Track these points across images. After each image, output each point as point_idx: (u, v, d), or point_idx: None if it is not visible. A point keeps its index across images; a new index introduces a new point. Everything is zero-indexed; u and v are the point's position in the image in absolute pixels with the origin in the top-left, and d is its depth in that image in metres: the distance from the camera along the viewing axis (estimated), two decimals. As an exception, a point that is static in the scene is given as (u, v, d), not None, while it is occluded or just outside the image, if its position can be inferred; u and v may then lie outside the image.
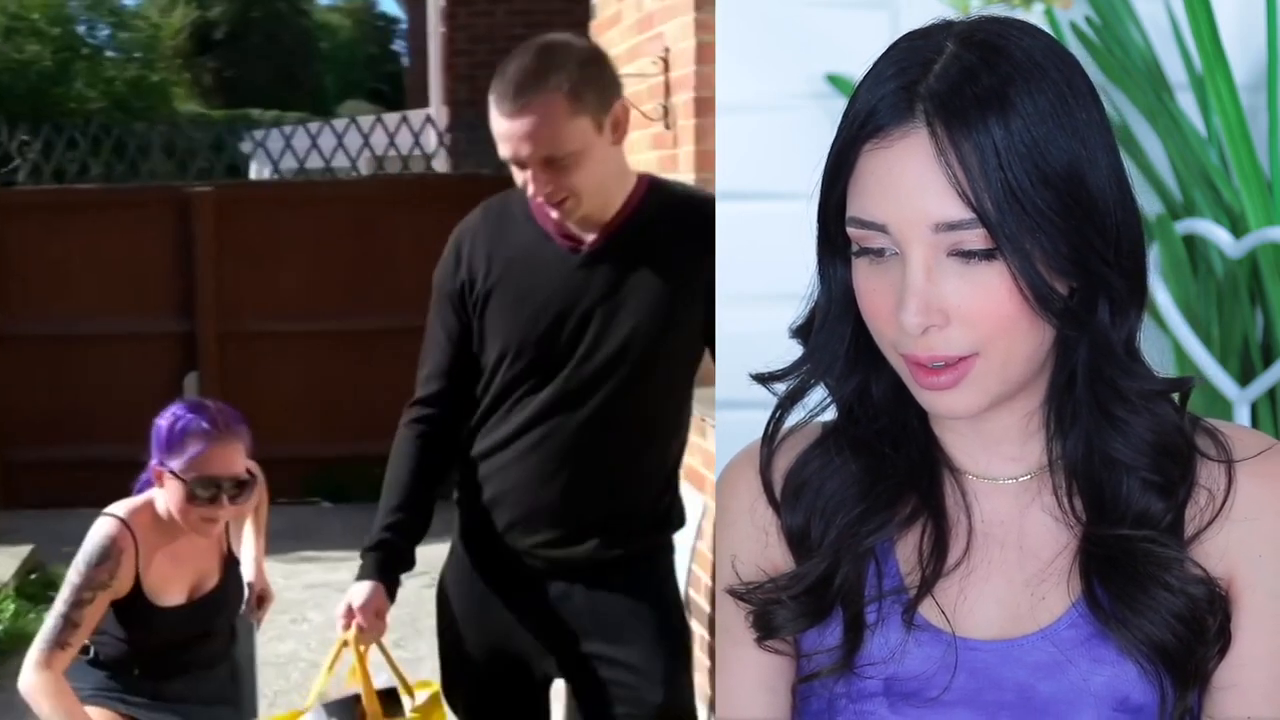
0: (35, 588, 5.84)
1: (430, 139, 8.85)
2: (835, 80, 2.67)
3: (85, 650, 3.02)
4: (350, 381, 7.73)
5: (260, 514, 3.49)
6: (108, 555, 2.92)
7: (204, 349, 7.90)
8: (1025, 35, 1.41)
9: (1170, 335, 2.59)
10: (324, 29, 38.18)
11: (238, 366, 7.77)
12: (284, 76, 32.65)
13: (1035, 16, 2.59)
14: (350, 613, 2.45)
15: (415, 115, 9.57)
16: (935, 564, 1.48)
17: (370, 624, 2.45)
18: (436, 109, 10.17)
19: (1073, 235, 1.36)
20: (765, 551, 1.57)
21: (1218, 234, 2.59)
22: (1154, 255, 2.60)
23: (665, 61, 4.06)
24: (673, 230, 2.46)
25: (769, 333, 1.59)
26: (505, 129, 2.33)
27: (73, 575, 2.91)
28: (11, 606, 5.61)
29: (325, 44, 37.65)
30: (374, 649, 2.52)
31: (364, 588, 2.48)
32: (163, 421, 2.96)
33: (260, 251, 7.96)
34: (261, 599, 3.47)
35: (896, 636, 1.48)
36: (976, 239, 1.34)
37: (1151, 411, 1.44)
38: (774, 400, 1.58)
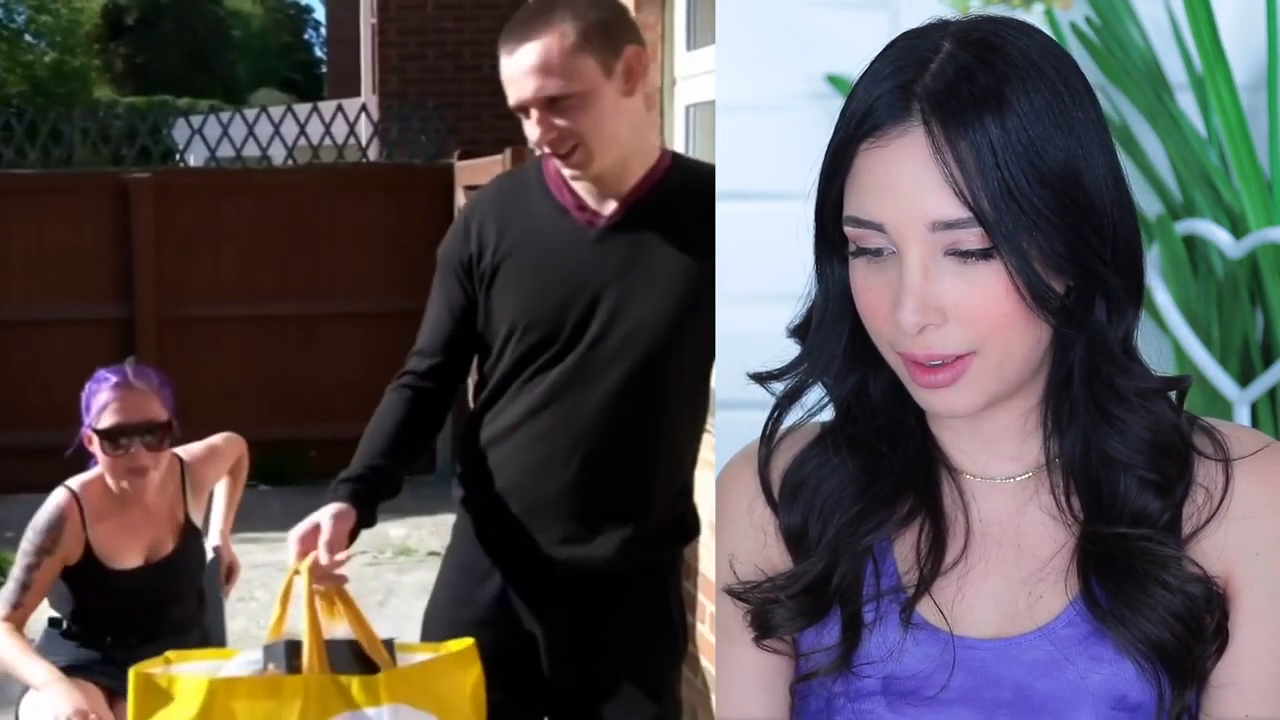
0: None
1: (362, 129, 9.08)
2: (835, 80, 2.67)
3: (57, 624, 3.25)
4: (288, 366, 7.86)
5: (236, 487, 3.61)
6: (53, 524, 3.13)
7: (143, 334, 7.95)
8: (1022, 34, 1.41)
9: (1170, 335, 2.58)
10: (236, 17, 38.25)
11: (176, 351, 7.76)
12: (196, 63, 32.70)
13: (1035, 17, 2.59)
14: (306, 539, 2.20)
15: (350, 104, 9.90)
16: (933, 563, 1.48)
17: (333, 545, 2.21)
18: (367, 98, 10.46)
19: (1069, 234, 1.36)
20: (763, 551, 1.57)
21: (1218, 234, 2.59)
22: (1154, 255, 2.59)
23: None
24: (696, 208, 2.39)
25: (768, 333, 1.59)
26: (508, 69, 2.29)
27: (24, 543, 3.14)
28: None
29: (238, 32, 37.77)
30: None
31: (331, 509, 2.26)
32: (83, 390, 3.20)
33: (198, 237, 8.10)
34: (230, 570, 3.55)
35: (894, 635, 1.48)
36: (973, 238, 1.35)
37: (1149, 410, 1.44)
38: (772, 400, 1.58)
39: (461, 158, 8.01)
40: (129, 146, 8.82)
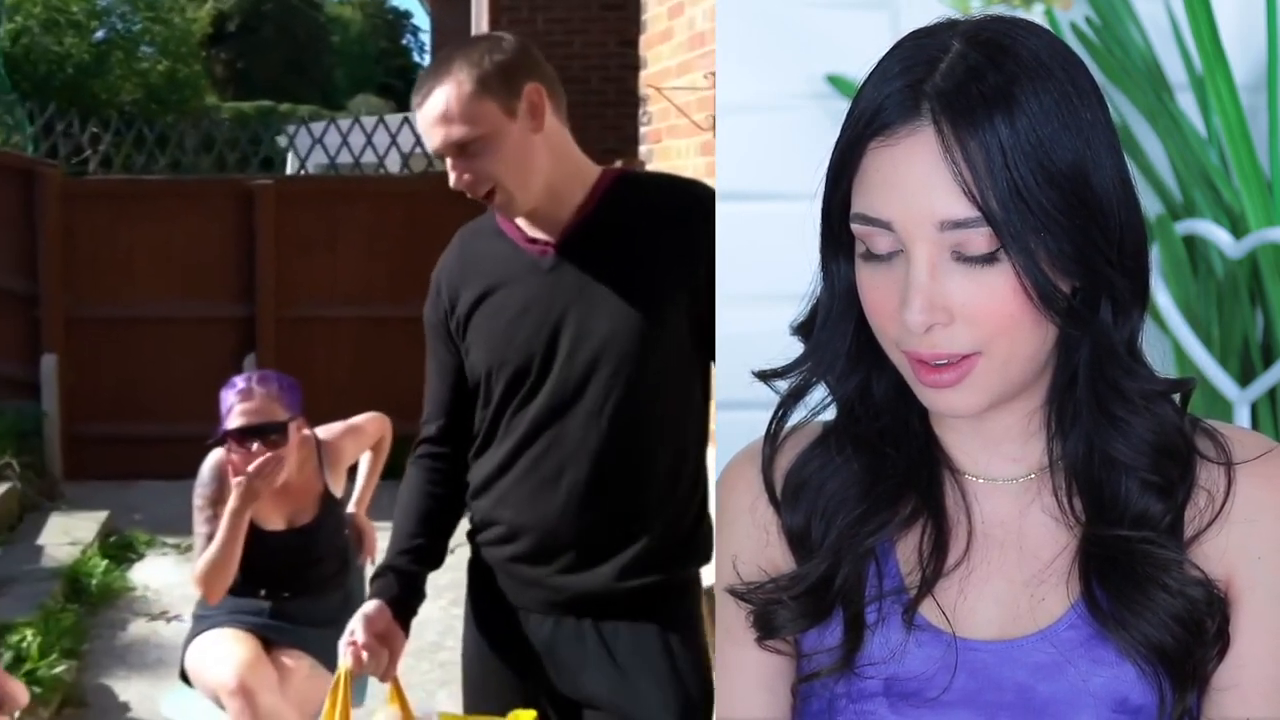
0: (115, 550, 6.34)
1: None
2: (835, 80, 2.67)
3: None
4: (398, 365, 7.93)
5: (377, 462, 4.08)
6: (215, 475, 3.56)
7: (262, 332, 8.33)
8: (1031, 34, 1.41)
9: (1170, 336, 2.58)
10: (335, 22, 38.38)
11: (291, 349, 8.11)
12: (295, 69, 32.77)
13: (1035, 17, 2.59)
14: (352, 640, 2.33)
15: None
16: (935, 564, 1.48)
17: (373, 648, 2.33)
18: None
19: (1077, 235, 1.36)
20: (765, 550, 1.57)
21: (1218, 234, 2.59)
22: (1154, 256, 2.59)
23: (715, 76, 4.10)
24: (649, 220, 2.38)
25: (769, 333, 1.59)
26: (418, 121, 2.35)
27: (195, 500, 3.54)
28: (101, 564, 6.06)
29: (336, 37, 37.83)
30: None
31: (367, 608, 2.38)
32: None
33: (316, 241, 8.46)
34: (361, 538, 3.95)
35: (897, 636, 1.48)
36: (981, 238, 1.35)
37: (1152, 412, 1.44)
38: (774, 400, 1.58)
39: None
40: (232, 151, 9.25)
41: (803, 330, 1.55)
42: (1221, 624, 1.43)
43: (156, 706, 4.42)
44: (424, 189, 8.59)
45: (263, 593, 3.69)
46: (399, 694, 2.38)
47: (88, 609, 5.57)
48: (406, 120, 9.50)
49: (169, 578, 6.09)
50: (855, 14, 2.66)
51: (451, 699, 4.55)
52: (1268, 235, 2.55)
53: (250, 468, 3.44)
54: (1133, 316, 1.42)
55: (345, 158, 9.17)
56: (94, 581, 5.90)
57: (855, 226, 1.41)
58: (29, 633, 3.85)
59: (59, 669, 4.47)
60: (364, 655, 2.31)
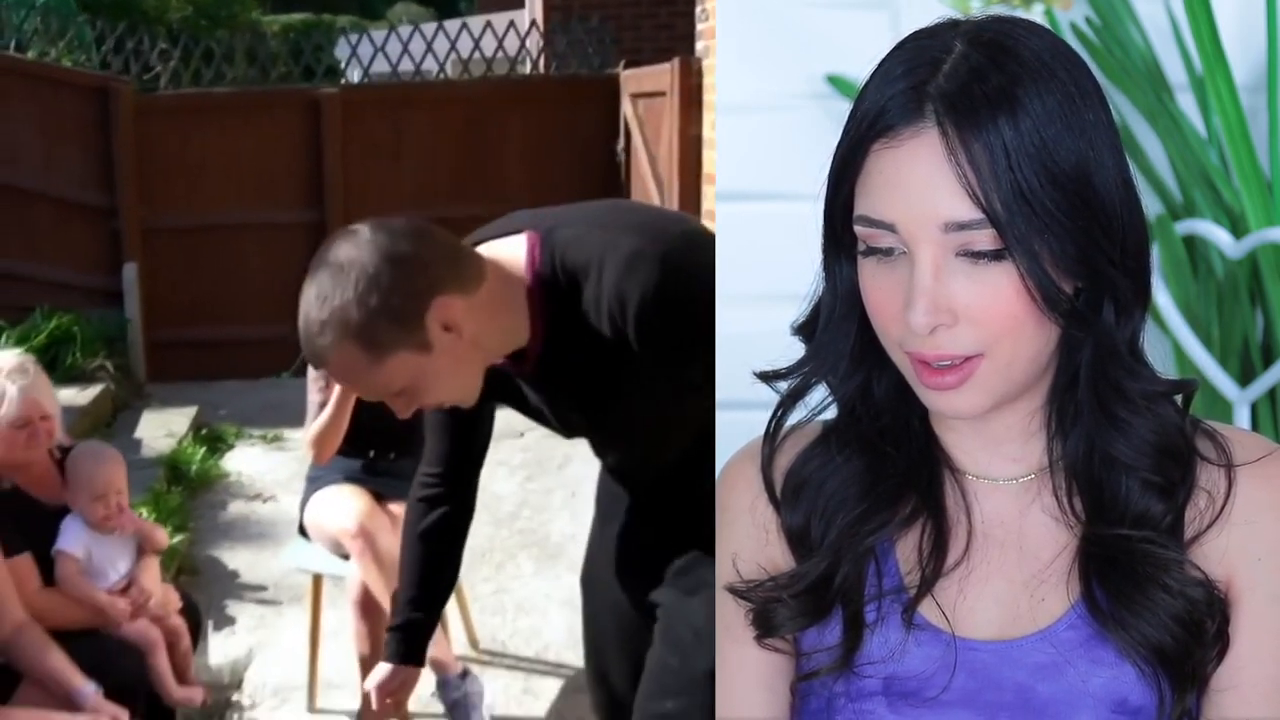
0: (208, 440, 6.81)
1: (531, 42, 9.86)
2: (835, 80, 2.67)
3: None
4: None
5: None
6: None
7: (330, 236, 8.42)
8: (1033, 35, 1.41)
9: (1170, 336, 2.58)
10: None
11: None
12: None
13: (1035, 17, 2.59)
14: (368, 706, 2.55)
15: (498, 19, 10.88)
16: (935, 564, 1.48)
17: (386, 710, 2.53)
18: (534, 13, 11.30)
19: (1080, 236, 1.36)
20: (765, 549, 1.57)
21: (1218, 234, 2.59)
22: (1154, 256, 2.58)
23: None
24: (590, 320, 2.11)
25: (769, 333, 1.58)
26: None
27: (309, 372, 3.89)
28: (197, 452, 6.52)
29: None
30: None
31: (381, 672, 2.55)
32: None
33: (381, 147, 8.80)
34: None
35: (896, 636, 1.48)
36: (985, 239, 1.35)
37: (1154, 412, 1.44)
38: (774, 400, 1.58)
39: (626, 67, 8.62)
40: (295, 63, 9.57)
41: (804, 331, 1.55)
42: (1221, 625, 1.43)
43: (261, 573, 5.03)
44: (483, 93, 9.07)
45: (371, 453, 4.05)
46: None
47: (189, 492, 6.06)
48: (465, 26, 10.03)
49: (259, 465, 6.53)
50: (855, 14, 2.65)
51: (531, 560, 5.11)
52: (1268, 235, 2.55)
53: None
54: (1135, 316, 1.42)
55: (406, 65, 9.48)
56: (192, 468, 6.36)
57: (858, 228, 1.41)
58: (144, 510, 4.15)
59: (174, 540, 4.78)
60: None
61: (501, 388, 2.29)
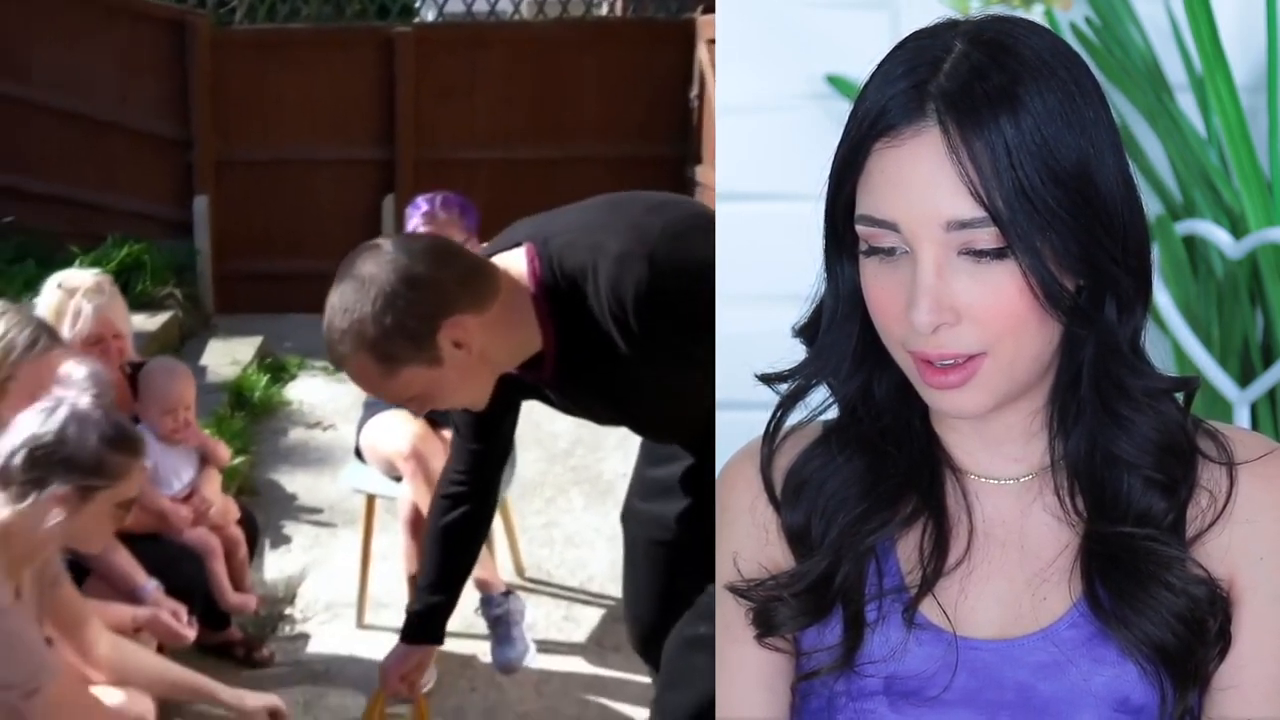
0: (271, 369, 6.94)
1: None
2: (835, 81, 2.67)
3: None
4: (530, 203, 7.97)
5: None
6: None
7: (401, 174, 8.62)
8: (1033, 34, 1.41)
9: (1170, 336, 2.58)
10: None
11: (431, 190, 8.34)
12: None
13: (1035, 17, 2.58)
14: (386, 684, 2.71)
15: None
16: (936, 563, 1.49)
17: (399, 690, 2.70)
18: None
19: (1082, 234, 1.36)
20: (765, 549, 1.57)
21: (1218, 235, 2.58)
22: (1154, 256, 2.58)
23: None
24: (599, 321, 2.21)
25: (769, 333, 1.59)
26: None
27: None
28: (260, 380, 6.67)
29: None
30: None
31: (398, 652, 2.72)
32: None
33: (454, 86, 8.69)
34: None
35: (897, 635, 1.49)
36: (988, 238, 1.35)
37: (1156, 410, 1.44)
38: (773, 401, 1.58)
39: (703, 13, 8.51)
40: (370, 1, 9.52)
41: (806, 333, 1.55)
42: (1223, 623, 1.43)
43: (318, 496, 5.18)
44: (558, 35, 8.96)
45: None
46: (423, 710, 2.80)
47: (251, 418, 6.20)
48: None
49: (320, 394, 6.64)
50: (855, 14, 2.65)
51: (582, 496, 5.28)
52: (1268, 235, 2.55)
53: None
54: (1136, 314, 1.42)
55: (481, 5, 9.49)
56: (256, 395, 6.51)
57: (860, 228, 1.41)
58: (207, 432, 4.13)
59: (236, 461, 4.98)
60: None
61: (526, 392, 2.45)
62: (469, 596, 3.60)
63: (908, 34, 1.45)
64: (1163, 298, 2.58)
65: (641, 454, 2.85)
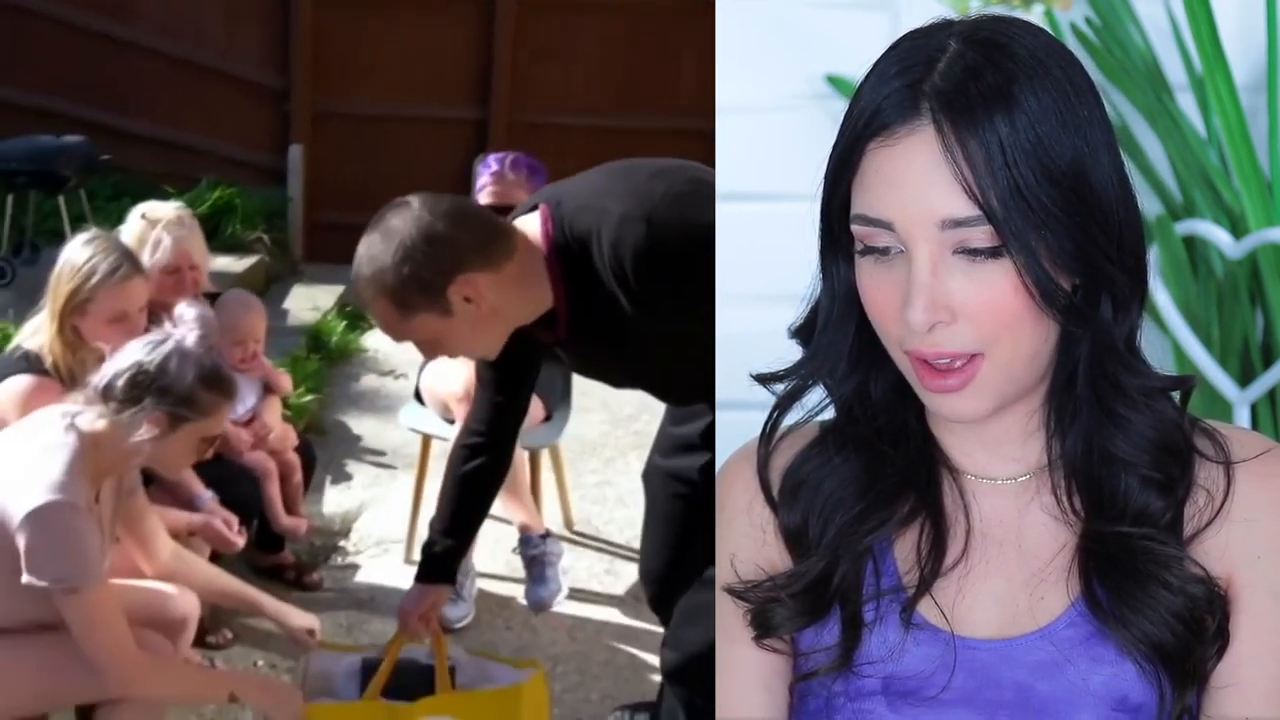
0: (351, 317, 7.02)
1: None
2: (835, 81, 2.67)
3: None
4: None
5: None
6: None
7: (494, 135, 8.53)
8: (1027, 34, 1.41)
9: (1170, 336, 2.58)
10: None
11: (524, 151, 8.45)
12: None
13: (1035, 17, 2.58)
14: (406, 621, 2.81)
15: None
16: (933, 563, 1.48)
17: (417, 628, 2.79)
18: None
19: (1077, 232, 1.36)
20: (762, 550, 1.58)
21: (1218, 235, 2.58)
22: (1154, 256, 2.58)
23: None
24: (605, 290, 2.35)
25: (769, 333, 1.59)
26: None
27: None
28: (339, 326, 6.86)
29: None
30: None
31: (414, 593, 2.83)
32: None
33: (552, 49, 8.69)
34: None
35: (895, 635, 1.48)
36: (983, 236, 1.35)
37: (1153, 409, 1.44)
38: (773, 401, 1.58)
39: None
40: None
41: (801, 334, 1.55)
42: (1222, 622, 1.43)
43: (382, 440, 5.37)
44: (656, 3, 8.73)
45: None
46: (440, 644, 2.84)
47: (327, 361, 6.39)
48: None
49: (397, 345, 6.51)
50: (855, 14, 2.66)
51: (639, 460, 5.34)
52: (1268, 235, 2.54)
53: None
54: (1132, 313, 1.42)
55: None
56: (333, 340, 6.68)
57: (855, 227, 1.41)
58: (281, 370, 4.42)
59: (305, 399, 5.39)
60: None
61: (545, 352, 2.60)
62: (510, 543, 4.03)
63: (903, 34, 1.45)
64: (1162, 297, 2.58)
65: (666, 413, 2.97)
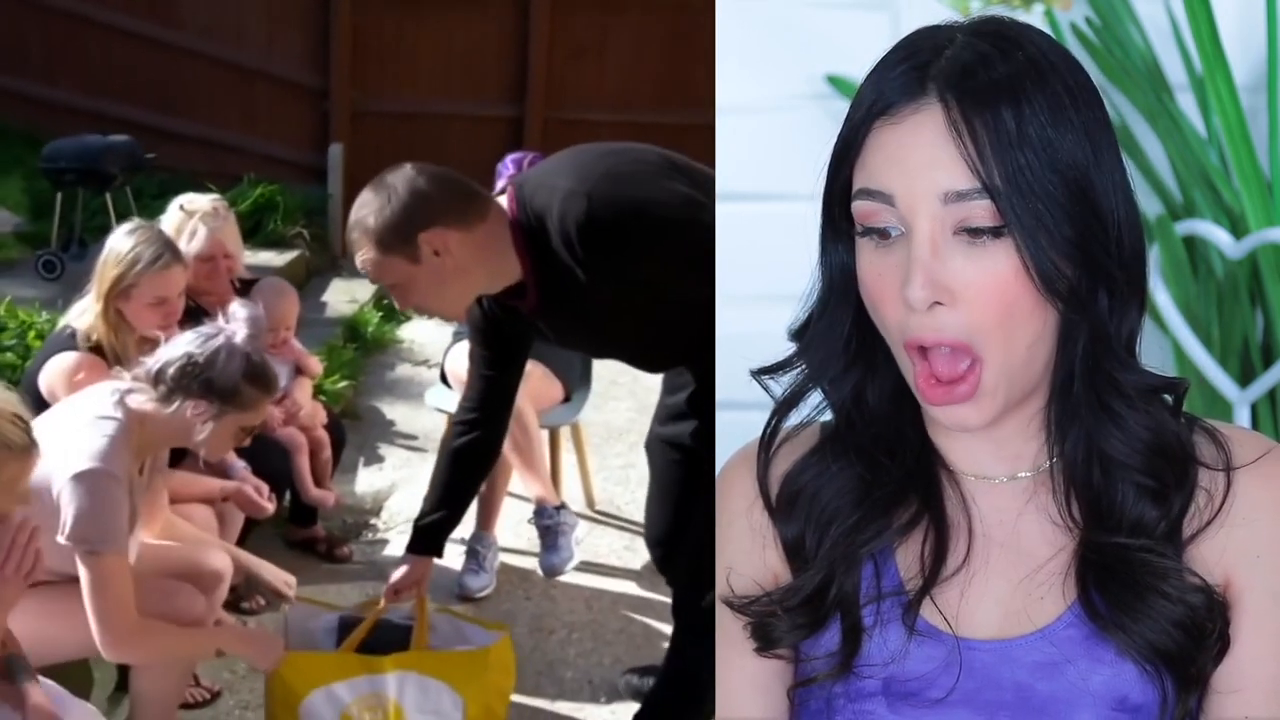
0: (387, 309, 7.17)
1: None
2: (835, 81, 2.68)
3: None
4: None
5: None
6: None
7: (530, 132, 8.82)
8: (1033, 33, 1.43)
9: (1170, 336, 2.58)
10: None
11: (558, 149, 8.56)
12: None
13: (1035, 17, 2.58)
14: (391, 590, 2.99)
15: None
16: (936, 568, 1.48)
17: (406, 594, 2.99)
18: None
19: (1077, 221, 1.36)
20: (763, 554, 1.57)
21: (1218, 235, 2.57)
22: (1154, 256, 2.58)
23: None
24: (560, 253, 2.56)
25: (768, 333, 1.60)
26: None
27: None
28: (375, 318, 7.10)
29: None
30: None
31: (403, 566, 3.02)
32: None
33: (586, 47, 8.93)
34: None
35: (896, 639, 1.48)
36: (984, 213, 1.35)
37: (1149, 412, 1.44)
38: (772, 401, 1.58)
39: None
40: None
41: (799, 336, 1.55)
42: (1222, 628, 1.43)
43: (415, 424, 5.62)
44: (695, 1, 9.00)
45: None
46: (422, 608, 3.03)
47: (363, 351, 6.67)
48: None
49: (432, 335, 6.84)
50: (855, 14, 2.67)
51: None
52: (1268, 235, 2.54)
53: None
54: (1131, 313, 1.42)
55: None
56: (369, 330, 6.96)
57: (857, 204, 1.42)
58: (317, 358, 4.71)
59: (340, 386, 5.70)
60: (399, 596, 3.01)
61: (529, 329, 2.81)
62: (523, 511, 4.32)
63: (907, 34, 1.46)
64: (1162, 297, 2.57)
65: (663, 383, 3.13)
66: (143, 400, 2.68)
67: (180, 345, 2.74)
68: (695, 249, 2.47)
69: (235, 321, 2.78)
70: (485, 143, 8.51)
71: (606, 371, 5.40)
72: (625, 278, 2.53)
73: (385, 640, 2.96)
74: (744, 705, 1.56)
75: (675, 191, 2.55)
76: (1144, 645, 1.41)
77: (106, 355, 3.34)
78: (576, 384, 4.65)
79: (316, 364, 4.59)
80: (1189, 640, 1.41)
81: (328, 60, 8.90)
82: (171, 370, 2.69)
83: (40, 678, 2.36)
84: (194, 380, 2.69)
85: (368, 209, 2.53)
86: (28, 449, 2.22)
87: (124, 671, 2.99)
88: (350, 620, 3.04)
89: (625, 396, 5.89)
